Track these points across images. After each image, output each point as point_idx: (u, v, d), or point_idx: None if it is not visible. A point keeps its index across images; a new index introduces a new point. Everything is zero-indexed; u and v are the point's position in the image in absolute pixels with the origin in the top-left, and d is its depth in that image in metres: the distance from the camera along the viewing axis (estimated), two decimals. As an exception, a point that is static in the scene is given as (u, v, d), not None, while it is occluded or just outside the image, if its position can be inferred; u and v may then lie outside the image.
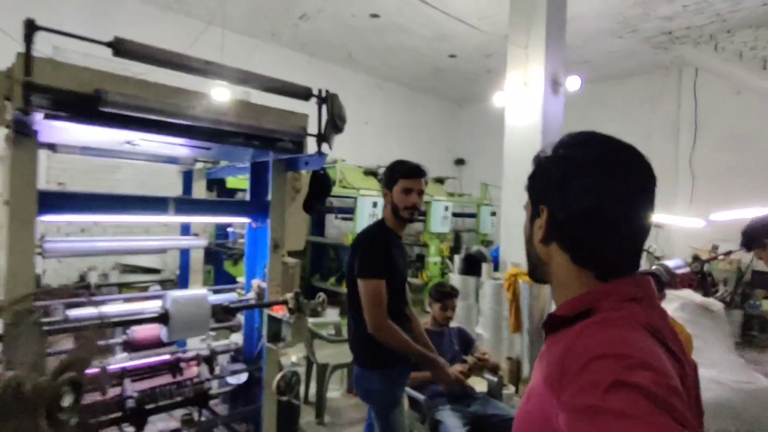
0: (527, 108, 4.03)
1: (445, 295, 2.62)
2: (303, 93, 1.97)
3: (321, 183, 2.17)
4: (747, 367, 3.37)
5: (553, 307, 0.91)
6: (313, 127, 2.03)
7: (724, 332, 3.53)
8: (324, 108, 1.97)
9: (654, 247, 6.63)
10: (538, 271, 0.81)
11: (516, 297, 3.60)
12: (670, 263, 5.96)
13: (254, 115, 1.86)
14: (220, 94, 2.10)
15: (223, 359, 2.45)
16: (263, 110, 1.98)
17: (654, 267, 5.75)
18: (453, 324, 2.71)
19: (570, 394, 0.58)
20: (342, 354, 3.25)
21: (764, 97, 6.50)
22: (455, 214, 7.99)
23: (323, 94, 1.96)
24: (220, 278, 4.88)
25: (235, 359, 2.61)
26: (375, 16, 5.93)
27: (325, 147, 2.03)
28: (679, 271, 5.69)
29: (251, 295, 2.45)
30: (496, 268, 4.06)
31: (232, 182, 4.51)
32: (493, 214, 8.28)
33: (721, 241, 6.66)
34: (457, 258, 4.53)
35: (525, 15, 4.09)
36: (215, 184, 4.27)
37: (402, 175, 1.94)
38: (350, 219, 6.31)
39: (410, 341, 1.85)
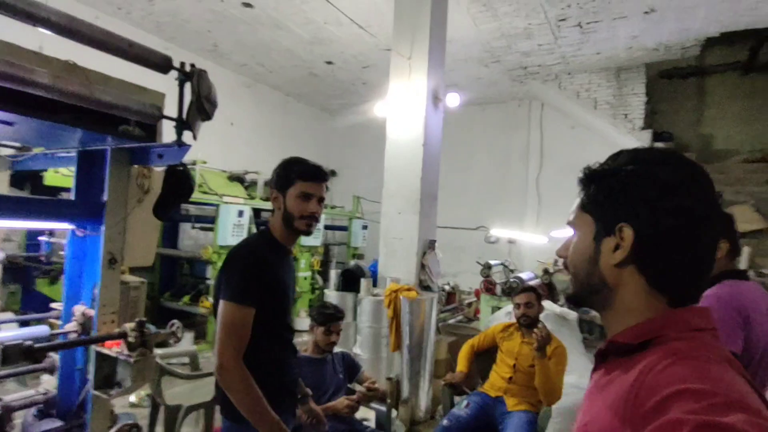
0: (410, 120, 3.98)
1: (330, 317, 2.29)
2: (160, 62, 1.52)
3: (179, 182, 1.71)
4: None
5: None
6: (171, 110, 1.58)
7: (578, 338, 3.86)
8: (188, 86, 1.53)
9: (509, 261, 7.21)
10: (595, 297, 0.73)
11: (396, 314, 3.46)
12: (524, 275, 6.51)
13: (84, 80, 1.35)
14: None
15: (27, 414, 1.84)
16: (99, 78, 1.46)
17: (511, 279, 6.20)
18: (336, 349, 2.41)
19: None
20: (199, 391, 2.70)
21: (594, 132, 7.62)
22: (326, 227, 7.74)
23: (188, 68, 1.53)
24: (30, 301, 3.81)
25: (45, 413, 1.99)
26: (248, 5, 5.41)
27: (187, 136, 1.59)
28: (531, 283, 6.23)
29: (72, 326, 1.85)
30: (374, 284, 3.89)
31: (54, 179, 3.56)
32: (365, 227, 8.24)
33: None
34: (333, 273, 4.25)
35: (409, 26, 4.06)
36: (27, 179, 3.33)
37: (300, 177, 1.53)
38: (210, 229, 5.61)
39: (261, 399, 1.36)
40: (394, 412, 2.74)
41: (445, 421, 2.46)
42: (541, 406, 2.54)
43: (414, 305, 3.47)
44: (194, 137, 1.61)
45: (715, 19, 5.09)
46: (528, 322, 2.57)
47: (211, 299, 4.89)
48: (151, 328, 1.75)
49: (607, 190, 0.71)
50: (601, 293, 0.71)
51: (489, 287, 6.25)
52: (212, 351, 1.44)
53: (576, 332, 3.88)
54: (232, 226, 5.18)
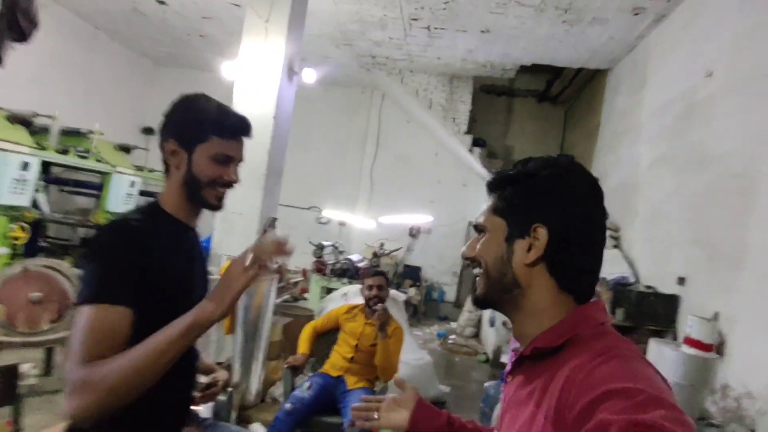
0: (262, 89, 3.69)
1: None
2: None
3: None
4: (416, 345, 4.09)
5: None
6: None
7: (404, 318, 4.19)
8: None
9: (339, 243, 7.41)
10: (506, 297, 0.75)
11: (233, 294, 3.21)
12: (354, 257, 6.77)
13: None
14: None
15: None
16: None
17: (342, 260, 6.38)
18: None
19: None
20: None
21: (426, 129, 8.33)
22: (142, 193, 6.72)
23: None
24: None
25: None
26: None
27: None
28: (360, 265, 6.52)
29: None
30: (207, 261, 3.53)
31: None
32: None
33: (386, 240, 8.10)
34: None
35: (271, -15, 3.75)
36: None
37: (219, 131, 1.12)
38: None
39: (143, 348, 0.92)
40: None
41: (287, 405, 2.39)
42: (378, 382, 2.69)
43: (253, 286, 3.28)
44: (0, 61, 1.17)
45: (529, 51, 6.06)
46: (377, 303, 2.67)
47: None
48: None
49: (525, 192, 0.74)
50: (512, 293, 0.73)
51: (320, 267, 6.32)
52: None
53: (403, 313, 4.21)
54: (10, 188, 4.06)
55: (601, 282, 4.52)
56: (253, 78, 3.74)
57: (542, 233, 0.70)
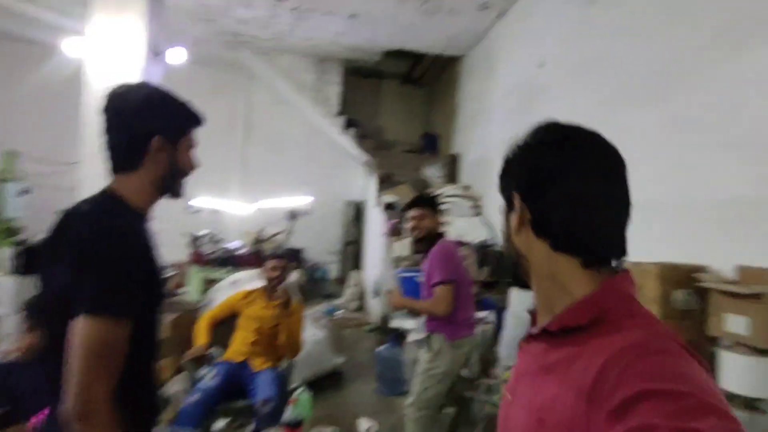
0: (123, 70, 3.35)
1: None
2: None
3: None
4: (310, 322, 4.24)
5: None
6: None
7: (298, 298, 4.28)
8: None
9: (215, 232, 7.11)
10: (519, 270, 0.76)
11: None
12: (232, 245, 6.59)
13: None
14: None
15: None
16: None
17: (221, 249, 6.16)
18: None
19: None
20: None
21: (298, 111, 8.28)
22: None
23: None
24: None
25: None
26: None
27: None
28: (241, 252, 6.37)
29: None
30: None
31: None
32: (26, 192, 6.35)
33: (267, 224, 7.96)
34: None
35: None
36: None
37: (193, 123, 1.22)
38: None
39: None
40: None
41: (194, 396, 2.36)
42: (284, 361, 2.78)
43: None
44: None
45: (394, 36, 6.41)
46: (278, 284, 2.74)
47: None
48: None
49: (503, 170, 0.78)
50: (520, 264, 0.75)
51: (198, 258, 6.02)
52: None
53: (298, 294, 4.29)
54: None
55: (467, 246, 5.15)
56: (109, 57, 3.37)
57: (517, 200, 0.73)
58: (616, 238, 0.71)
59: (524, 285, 0.77)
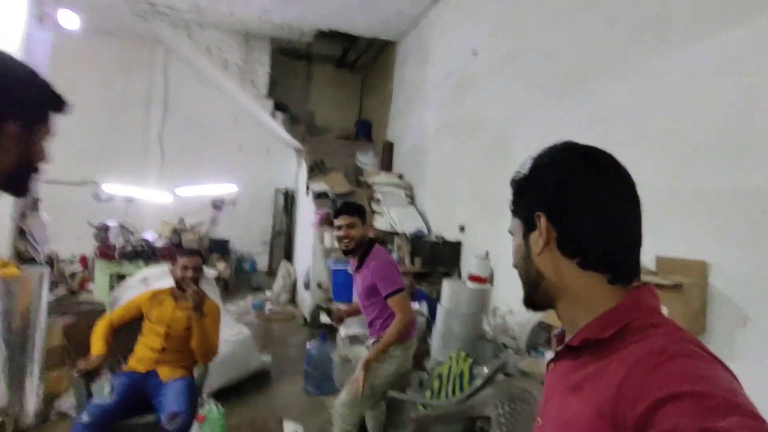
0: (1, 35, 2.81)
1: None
2: None
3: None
4: (233, 320, 3.93)
5: None
6: None
7: (217, 295, 3.94)
8: None
9: (127, 221, 6.47)
10: (539, 290, 0.75)
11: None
12: (149, 236, 6.03)
13: None
14: None
15: None
16: None
17: (135, 242, 5.62)
18: None
19: None
20: None
21: (223, 92, 7.71)
22: None
23: None
24: None
25: None
26: None
27: None
28: (158, 245, 5.84)
29: None
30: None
31: None
32: None
33: (187, 214, 7.40)
34: None
35: None
36: None
37: (54, 108, 0.96)
38: None
39: None
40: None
41: (84, 417, 2.02)
42: (196, 367, 2.49)
43: (14, 286, 2.61)
44: None
45: (326, 16, 6.10)
46: (190, 284, 2.42)
47: None
48: None
49: (520, 190, 0.78)
50: (541, 286, 0.74)
51: (106, 252, 5.43)
52: None
53: (216, 289, 3.95)
54: None
55: (400, 236, 5.06)
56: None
57: (542, 219, 0.71)
58: (638, 253, 0.71)
59: (538, 307, 0.77)
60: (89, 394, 2.21)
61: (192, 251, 2.54)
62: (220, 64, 6.90)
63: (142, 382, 2.32)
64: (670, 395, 0.51)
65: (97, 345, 2.37)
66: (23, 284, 2.65)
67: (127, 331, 2.57)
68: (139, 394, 2.28)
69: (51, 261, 6.23)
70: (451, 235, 4.63)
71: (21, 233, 2.95)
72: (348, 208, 2.43)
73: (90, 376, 2.25)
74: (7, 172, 0.89)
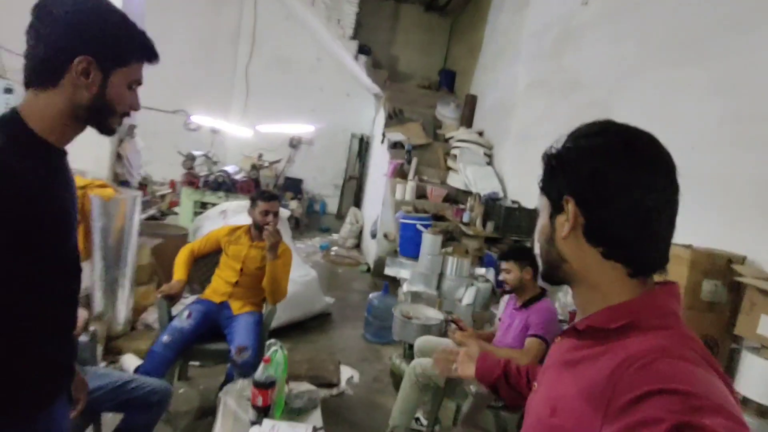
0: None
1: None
2: None
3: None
4: (301, 261, 4.05)
5: None
6: None
7: (289, 235, 4.07)
8: None
9: (212, 152, 6.78)
10: (558, 272, 0.74)
11: (85, 216, 2.72)
12: (230, 169, 6.29)
13: None
14: None
15: None
16: None
17: (217, 173, 5.89)
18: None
19: (625, 426, 0.52)
20: None
21: (307, 30, 7.62)
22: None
23: None
24: None
25: None
26: None
27: None
28: (237, 177, 6.10)
29: None
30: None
31: None
32: (8, 91, 5.95)
33: (266, 150, 7.63)
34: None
35: None
36: None
37: (139, 56, 0.99)
38: None
39: None
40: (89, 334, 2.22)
41: (165, 337, 2.18)
42: (265, 305, 2.60)
43: (111, 206, 2.81)
44: None
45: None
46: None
47: None
48: None
49: (551, 170, 0.74)
50: (561, 268, 0.73)
51: (192, 180, 5.76)
52: None
53: (288, 229, 4.07)
54: None
55: (474, 196, 4.87)
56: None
57: (571, 205, 0.69)
58: (665, 249, 0.69)
59: (555, 283, 0.78)
60: (170, 316, 2.38)
61: (272, 195, 2.57)
62: (308, 0, 6.75)
63: (216, 311, 2.46)
64: (659, 390, 0.51)
65: (179, 271, 2.53)
66: (119, 205, 2.86)
67: (206, 261, 2.72)
68: (213, 323, 2.42)
69: (145, 183, 6.79)
70: (529, 202, 4.37)
71: (118, 157, 3.16)
72: (513, 253, 2.42)
73: (171, 299, 2.42)
74: (80, 108, 0.90)
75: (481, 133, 5.91)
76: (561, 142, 0.73)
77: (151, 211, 6.39)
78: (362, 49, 6.93)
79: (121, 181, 3.21)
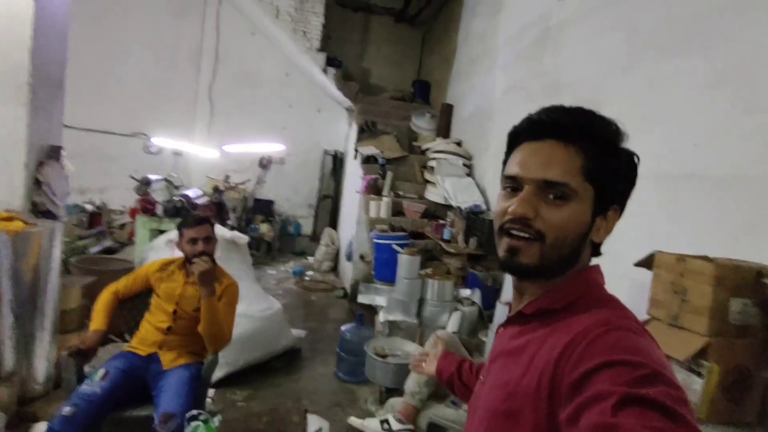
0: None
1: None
2: None
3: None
4: (263, 293, 3.59)
5: None
6: None
7: (248, 264, 3.62)
8: None
9: (174, 175, 6.29)
10: (558, 269, 0.70)
11: (-15, 256, 2.24)
12: (191, 193, 5.80)
13: None
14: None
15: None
16: None
17: (176, 197, 5.40)
18: None
19: (578, 404, 0.54)
20: None
21: (274, 44, 7.28)
22: None
23: None
24: None
25: None
26: None
27: None
28: (199, 201, 5.61)
29: None
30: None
31: None
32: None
33: (233, 171, 7.19)
34: None
35: None
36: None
37: None
38: None
39: None
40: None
41: (66, 408, 1.70)
42: (207, 354, 2.14)
43: (19, 242, 2.34)
44: None
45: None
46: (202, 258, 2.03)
47: None
48: None
49: (614, 170, 0.69)
50: (571, 265, 0.71)
51: (147, 207, 5.26)
52: None
53: (247, 257, 3.62)
54: None
55: (454, 210, 4.49)
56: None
57: (616, 215, 0.72)
58: None
59: (539, 276, 0.73)
60: (80, 378, 1.90)
61: (200, 219, 2.13)
62: (273, 12, 6.42)
63: (142, 367, 1.99)
64: (606, 362, 0.55)
65: (98, 319, 2.06)
66: (30, 240, 2.39)
67: (136, 303, 2.26)
68: (137, 381, 1.95)
69: (99, 212, 6.26)
70: (514, 215, 4.00)
71: (37, 183, 2.70)
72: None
73: (84, 355, 1.95)
74: None
75: (459, 143, 5.57)
76: (611, 130, 0.70)
77: (107, 243, 5.86)
78: (332, 62, 6.60)
79: (41, 212, 2.75)
